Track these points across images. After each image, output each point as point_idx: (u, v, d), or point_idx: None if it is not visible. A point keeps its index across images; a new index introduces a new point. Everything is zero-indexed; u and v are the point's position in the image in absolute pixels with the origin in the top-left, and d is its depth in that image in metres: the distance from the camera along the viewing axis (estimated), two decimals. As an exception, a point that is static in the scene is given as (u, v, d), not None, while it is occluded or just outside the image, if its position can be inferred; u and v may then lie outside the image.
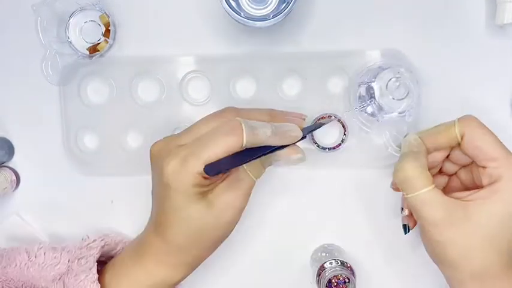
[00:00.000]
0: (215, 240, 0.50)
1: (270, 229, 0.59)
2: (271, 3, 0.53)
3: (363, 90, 0.54)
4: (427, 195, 0.47)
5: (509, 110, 0.57)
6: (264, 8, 0.53)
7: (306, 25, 0.57)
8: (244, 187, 0.49)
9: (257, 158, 0.47)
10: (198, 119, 0.51)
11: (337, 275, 0.54)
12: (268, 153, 0.48)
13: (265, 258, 0.59)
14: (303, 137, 0.49)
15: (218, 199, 0.48)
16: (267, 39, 0.57)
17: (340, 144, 0.57)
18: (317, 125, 0.54)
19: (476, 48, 0.57)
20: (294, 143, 0.49)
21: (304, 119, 0.53)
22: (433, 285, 0.57)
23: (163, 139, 0.51)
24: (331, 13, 0.57)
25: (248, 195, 0.50)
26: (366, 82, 0.53)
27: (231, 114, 0.50)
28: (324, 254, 0.57)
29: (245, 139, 0.45)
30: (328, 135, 0.58)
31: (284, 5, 0.51)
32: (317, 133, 0.57)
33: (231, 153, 0.46)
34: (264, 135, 0.47)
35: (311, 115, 0.57)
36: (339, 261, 0.55)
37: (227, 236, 0.51)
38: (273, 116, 0.52)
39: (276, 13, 0.51)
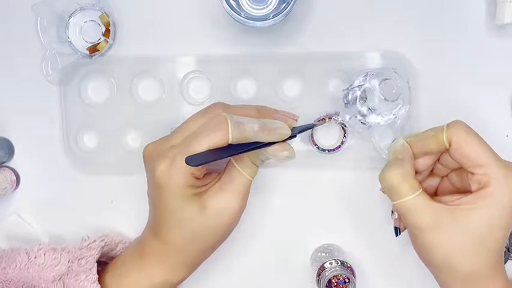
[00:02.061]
0: (213, 241, 0.50)
1: (270, 229, 0.59)
2: (271, 3, 0.53)
3: (355, 93, 0.53)
4: (412, 201, 0.47)
5: (509, 110, 0.57)
6: (264, 8, 0.53)
7: (306, 25, 0.57)
8: (238, 186, 0.49)
9: (242, 152, 0.46)
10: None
11: (337, 275, 0.54)
12: (254, 148, 0.47)
13: (266, 258, 0.59)
14: (293, 136, 0.49)
15: (212, 199, 0.48)
16: (267, 39, 0.57)
17: (340, 146, 0.57)
18: (308, 125, 0.53)
19: (476, 48, 0.57)
20: (284, 141, 0.49)
21: (296, 120, 0.52)
22: (432, 286, 0.57)
23: (155, 141, 0.51)
24: (331, 14, 0.57)
25: (244, 194, 0.49)
26: (356, 86, 0.53)
27: (218, 109, 0.50)
28: (324, 254, 0.57)
29: (231, 134, 0.45)
30: (328, 136, 0.58)
31: (284, 5, 0.51)
32: (317, 135, 0.57)
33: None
34: (251, 131, 0.46)
35: (311, 116, 0.57)
36: (339, 261, 0.55)
37: (226, 238, 0.51)
38: (261, 112, 0.51)
39: (276, 13, 0.51)
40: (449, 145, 0.48)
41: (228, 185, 0.49)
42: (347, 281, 0.54)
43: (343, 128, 0.57)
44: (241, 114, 0.48)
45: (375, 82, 0.51)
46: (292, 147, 0.49)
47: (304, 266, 0.59)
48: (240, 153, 0.47)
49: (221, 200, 0.48)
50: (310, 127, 0.53)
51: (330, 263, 0.55)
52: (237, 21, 0.51)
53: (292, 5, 0.50)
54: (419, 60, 0.56)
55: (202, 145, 0.45)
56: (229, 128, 0.45)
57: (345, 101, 0.55)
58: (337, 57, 0.57)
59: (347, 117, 0.54)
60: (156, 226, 0.50)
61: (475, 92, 0.57)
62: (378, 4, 0.57)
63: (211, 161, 0.45)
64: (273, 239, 0.59)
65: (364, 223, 0.59)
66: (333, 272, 0.53)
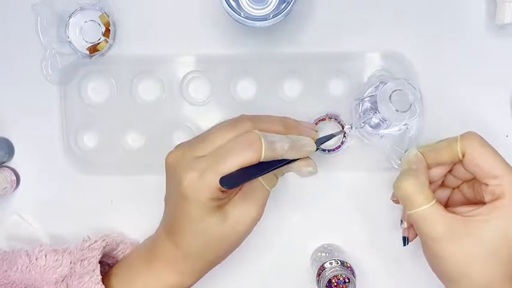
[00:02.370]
0: (228, 249, 0.50)
1: (270, 230, 0.59)
2: (271, 3, 0.53)
3: (367, 104, 0.53)
4: (427, 211, 0.47)
5: (509, 110, 0.57)
6: (264, 8, 0.53)
7: (306, 25, 0.57)
8: (260, 198, 0.49)
9: (273, 170, 0.47)
10: (212, 126, 0.50)
11: (337, 275, 0.54)
12: (282, 165, 0.48)
13: (265, 258, 0.60)
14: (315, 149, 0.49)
15: (234, 210, 0.48)
16: (267, 39, 0.57)
17: (340, 146, 0.57)
18: (328, 136, 0.52)
19: (476, 48, 0.57)
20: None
21: (317, 131, 0.52)
22: (432, 286, 0.57)
23: (179, 149, 0.50)
24: (331, 14, 0.57)
25: (263, 205, 0.50)
26: (368, 95, 0.53)
27: (247, 124, 0.49)
28: (324, 254, 0.57)
29: (264, 154, 0.45)
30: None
31: (284, 5, 0.51)
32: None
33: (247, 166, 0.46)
34: (282, 150, 0.46)
35: (311, 116, 0.57)
36: (339, 261, 0.55)
37: (239, 245, 0.51)
38: (287, 126, 0.51)
39: (276, 13, 0.51)
40: (463, 156, 0.48)
41: (250, 196, 0.49)
42: (347, 281, 0.54)
43: (342, 128, 0.57)
44: (268, 129, 0.48)
45: (387, 93, 0.51)
46: (315, 163, 0.49)
47: (304, 266, 0.59)
48: (270, 171, 0.47)
49: (242, 210, 0.48)
50: (330, 138, 0.52)
51: (330, 263, 0.55)
52: (237, 21, 0.51)
53: (292, 5, 0.50)
54: (419, 60, 0.56)
55: (233, 163, 0.45)
56: (263, 148, 0.45)
57: (357, 111, 0.55)
58: (337, 57, 0.57)
59: (359, 127, 0.54)
60: (173, 233, 0.50)
61: (475, 92, 0.57)
62: (378, 4, 0.57)
63: (245, 181, 0.46)
64: (273, 239, 0.59)
65: (364, 223, 0.59)
66: (333, 272, 0.53)
